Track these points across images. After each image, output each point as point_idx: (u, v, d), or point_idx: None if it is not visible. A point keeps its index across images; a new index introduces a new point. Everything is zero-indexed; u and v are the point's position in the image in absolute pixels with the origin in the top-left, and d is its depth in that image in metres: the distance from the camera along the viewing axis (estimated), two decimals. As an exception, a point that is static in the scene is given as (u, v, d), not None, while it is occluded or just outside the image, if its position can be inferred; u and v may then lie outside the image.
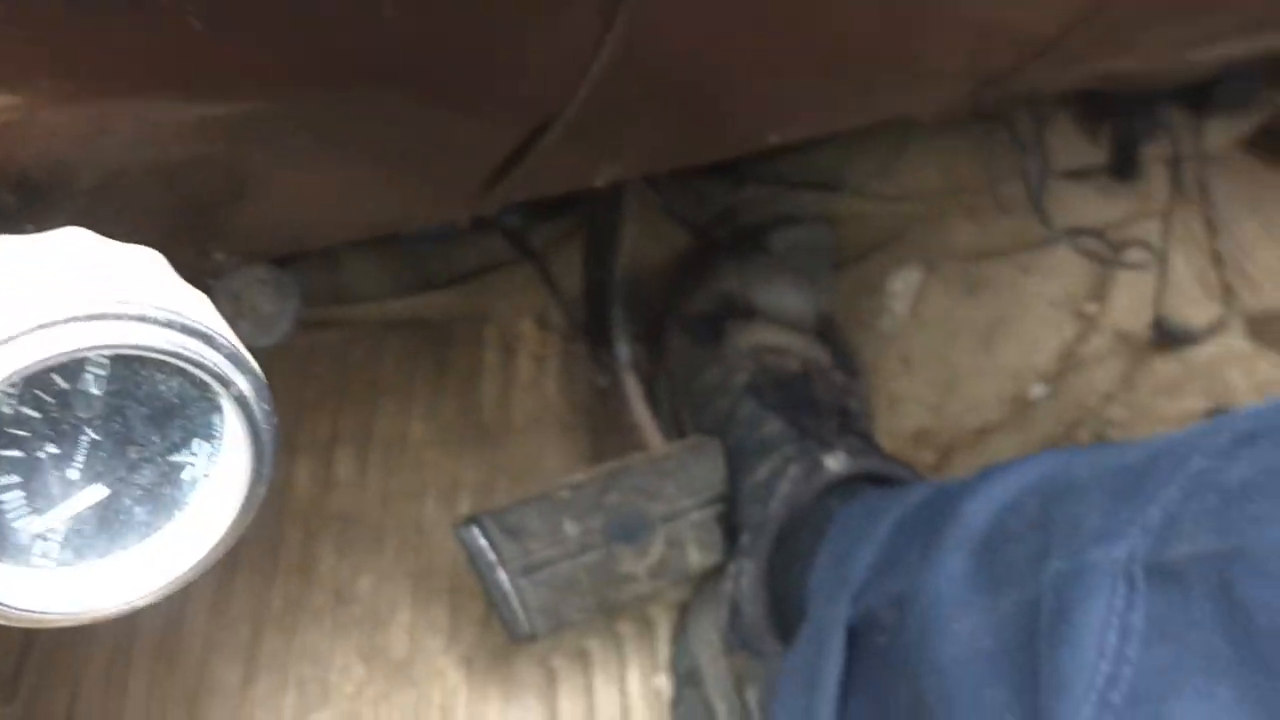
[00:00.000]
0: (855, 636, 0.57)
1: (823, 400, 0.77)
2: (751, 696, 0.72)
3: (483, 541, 0.70)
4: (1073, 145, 0.97)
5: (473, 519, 0.70)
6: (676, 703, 0.78)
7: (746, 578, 0.70)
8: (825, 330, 0.86)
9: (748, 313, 0.84)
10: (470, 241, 0.94)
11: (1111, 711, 0.38)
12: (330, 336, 0.90)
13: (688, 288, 0.88)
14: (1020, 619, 0.44)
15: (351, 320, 0.91)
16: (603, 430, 0.88)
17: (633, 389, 0.84)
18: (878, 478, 0.72)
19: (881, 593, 0.55)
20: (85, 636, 0.76)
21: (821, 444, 0.72)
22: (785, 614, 0.69)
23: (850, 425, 0.76)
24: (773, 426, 0.75)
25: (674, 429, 0.84)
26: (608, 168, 0.55)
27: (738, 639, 0.72)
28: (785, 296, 0.85)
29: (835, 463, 0.71)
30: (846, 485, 0.71)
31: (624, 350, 0.84)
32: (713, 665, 0.75)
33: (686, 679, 0.78)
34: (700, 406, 0.81)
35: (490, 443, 0.88)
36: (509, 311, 0.93)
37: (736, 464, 0.75)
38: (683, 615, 0.81)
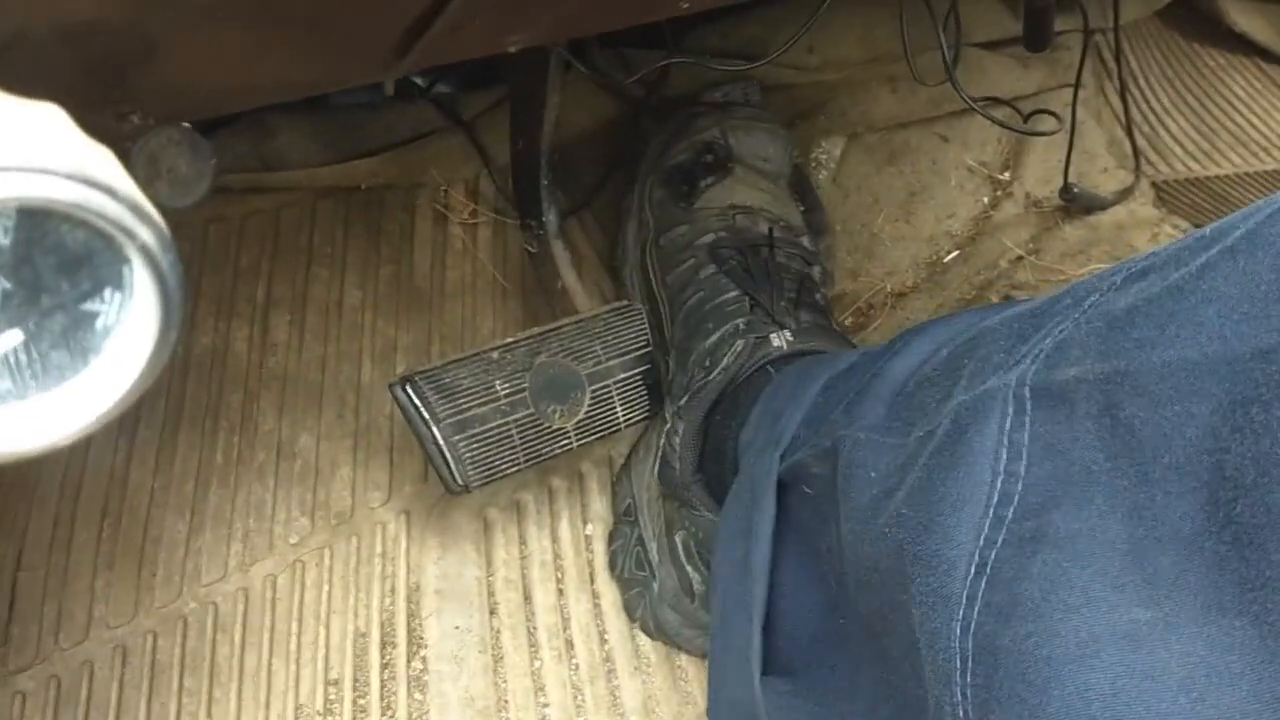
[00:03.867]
0: (785, 489, 0.60)
1: (783, 267, 0.79)
2: (678, 539, 0.76)
3: (416, 399, 0.73)
4: (989, 16, 0.98)
5: (407, 378, 0.72)
6: (614, 536, 0.83)
7: (678, 437, 0.74)
8: (799, 185, 0.87)
9: (727, 160, 0.85)
10: (401, 110, 0.94)
11: (1002, 524, 0.41)
12: (263, 203, 0.90)
13: (667, 140, 0.89)
14: (921, 449, 0.47)
15: (284, 186, 0.91)
16: (533, 295, 0.91)
17: (561, 255, 0.86)
18: (818, 352, 0.74)
19: (809, 448, 0.58)
20: (28, 495, 0.78)
21: (772, 320, 0.75)
22: (714, 468, 0.73)
23: (806, 296, 0.79)
24: (729, 296, 0.77)
25: (640, 287, 0.86)
26: (519, 32, 0.56)
27: (668, 489, 0.76)
28: (763, 144, 0.86)
29: (780, 340, 0.73)
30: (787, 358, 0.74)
31: (552, 219, 0.86)
32: (648, 507, 0.80)
33: (624, 515, 0.83)
34: (668, 264, 0.83)
35: (425, 307, 0.90)
36: (440, 179, 0.94)
37: (692, 328, 0.78)
38: (626, 461, 0.85)
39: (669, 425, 0.75)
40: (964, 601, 0.41)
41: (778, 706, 0.57)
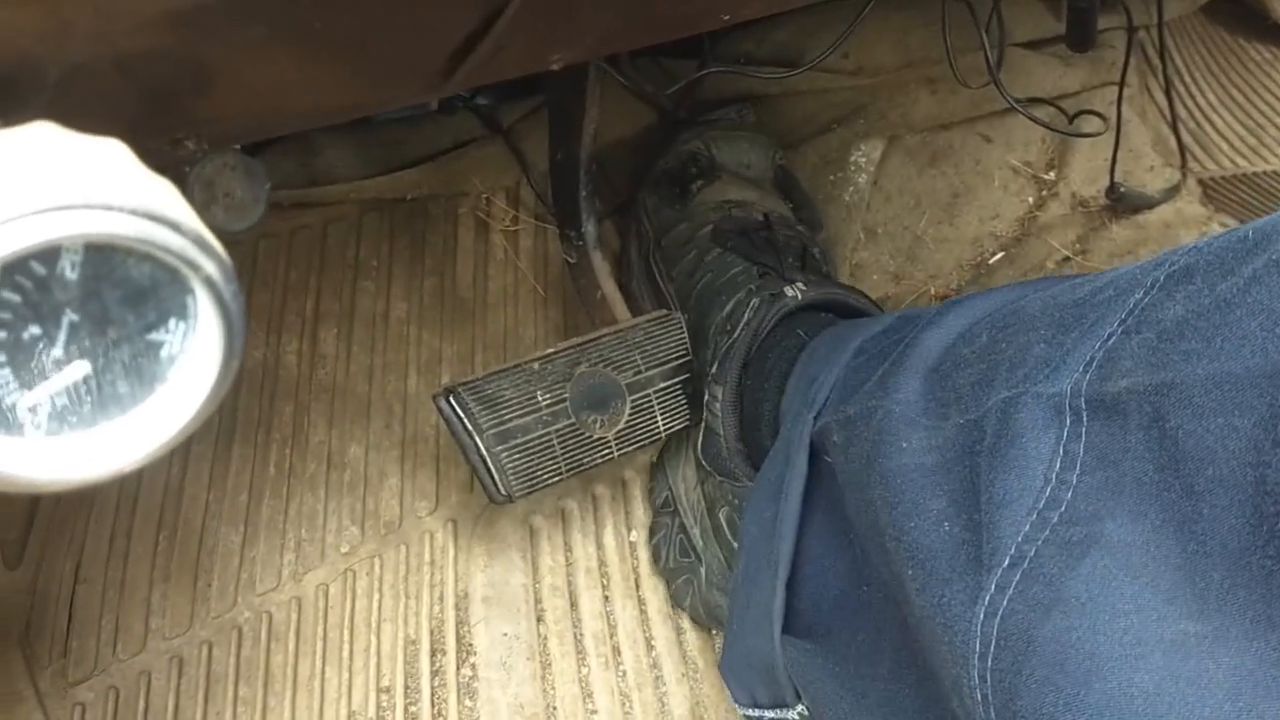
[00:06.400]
0: (817, 452, 0.60)
1: (784, 244, 0.80)
2: (721, 516, 0.77)
3: (460, 411, 0.73)
4: (1031, 15, 0.97)
5: (450, 390, 0.73)
6: (654, 529, 0.83)
7: (718, 403, 0.74)
8: (785, 185, 0.89)
9: (712, 169, 0.87)
10: (442, 122, 0.95)
11: (1049, 527, 0.41)
12: (310, 218, 0.92)
13: (657, 153, 0.91)
14: (962, 439, 0.47)
15: (330, 201, 0.92)
16: (573, 303, 0.91)
17: (599, 265, 0.86)
18: (840, 306, 0.75)
19: (842, 413, 0.58)
20: (86, 508, 0.80)
21: (782, 278, 0.76)
22: (753, 436, 0.73)
23: (811, 263, 0.80)
24: (737, 270, 0.78)
25: (649, 294, 0.87)
26: (562, 50, 0.56)
27: (710, 462, 0.76)
28: (744, 152, 0.89)
29: (794, 291, 0.74)
30: (812, 314, 0.74)
31: (591, 228, 0.86)
32: (686, 495, 0.80)
33: (662, 508, 0.83)
34: (672, 260, 0.84)
35: (468, 318, 0.91)
36: (481, 186, 0.95)
37: (706, 305, 0.79)
38: (659, 457, 0.86)
39: (707, 397, 0.75)
40: (993, 589, 0.41)
41: (798, 662, 0.57)
